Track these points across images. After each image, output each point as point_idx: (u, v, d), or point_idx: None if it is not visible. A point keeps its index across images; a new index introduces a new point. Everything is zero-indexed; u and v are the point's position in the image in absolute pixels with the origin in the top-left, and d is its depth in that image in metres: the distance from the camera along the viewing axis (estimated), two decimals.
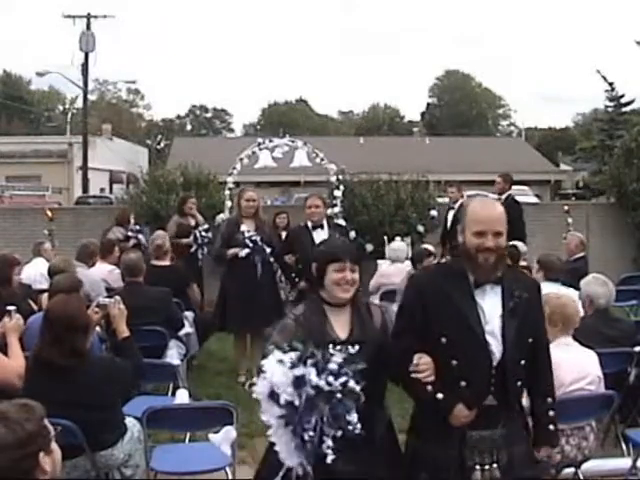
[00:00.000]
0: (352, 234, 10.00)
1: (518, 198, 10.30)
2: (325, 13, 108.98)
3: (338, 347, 2.67)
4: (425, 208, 10.82)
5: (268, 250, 6.68)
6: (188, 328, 6.08)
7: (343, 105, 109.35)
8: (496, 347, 2.73)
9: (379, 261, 9.07)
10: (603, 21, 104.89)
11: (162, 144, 64.57)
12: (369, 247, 10.33)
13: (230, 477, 3.82)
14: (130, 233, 8.75)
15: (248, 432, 5.17)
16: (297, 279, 6.78)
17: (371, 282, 7.76)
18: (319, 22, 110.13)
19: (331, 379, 2.54)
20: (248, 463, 4.78)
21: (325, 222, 6.79)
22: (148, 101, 77.29)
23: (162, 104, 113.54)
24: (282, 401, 2.53)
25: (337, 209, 10.09)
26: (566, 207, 11.06)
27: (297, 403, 2.53)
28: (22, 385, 3.68)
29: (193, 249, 8.66)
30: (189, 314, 6.43)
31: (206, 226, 8.93)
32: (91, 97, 43.96)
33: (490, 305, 2.77)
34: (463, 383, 2.72)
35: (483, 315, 2.74)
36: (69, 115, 46.63)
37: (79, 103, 40.44)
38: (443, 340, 2.74)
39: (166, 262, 6.80)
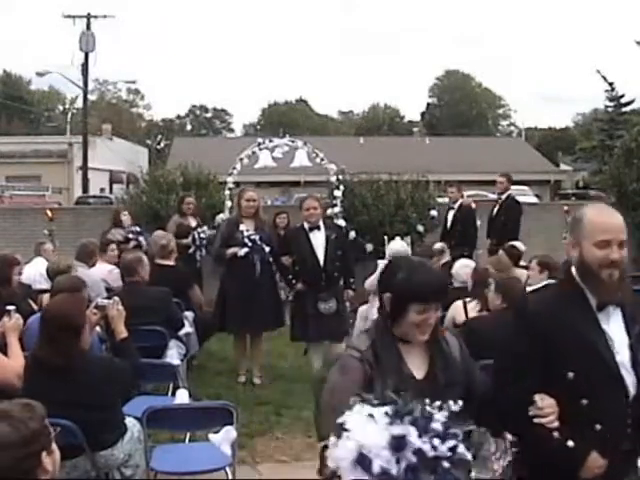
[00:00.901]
0: (352, 234, 10.00)
1: (518, 198, 10.33)
2: (325, 13, 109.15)
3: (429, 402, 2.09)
4: (425, 208, 10.84)
5: (267, 249, 6.68)
6: (188, 328, 6.08)
7: (343, 105, 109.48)
8: (630, 381, 2.35)
9: (379, 261, 9.05)
10: (603, 21, 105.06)
11: (162, 144, 64.59)
12: (369, 247, 10.33)
13: (230, 477, 3.82)
14: (130, 235, 8.74)
15: (248, 432, 5.18)
16: (294, 280, 6.72)
17: (369, 280, 7.75)
18: (319, 22, 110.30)
19: (437, 442, 1.98)
20: (248, 463, 4.80)
21: (322, 223, 6.75)
22: (148, 101, 77.34)
23: (162, 104, 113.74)
24: (376, 468, 1.94)
25: (337, 209, 10.08)
26: (566, 207, 11.07)
27: (394, 472, 1.94)
28: (21, 385, 3.68)
29: (191, 250, 8.66)
30: (189, 314, 6.43)
31: (204, 228, 8.94)
32: (91, 97, 43.97)
33: (616, 331, 2.38)
34: (598, 426, 2.31)
35: (612, 344, 2.35)
36: (69, 115, 46.67)
37: (79, 103, 40.49)
38: (570, 375, 2.32)
39: (170, 262, 6.84)
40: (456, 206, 9.65)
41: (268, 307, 6.71)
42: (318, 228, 6.65)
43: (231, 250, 6.65)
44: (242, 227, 6.71)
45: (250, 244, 6.62)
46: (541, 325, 2.38)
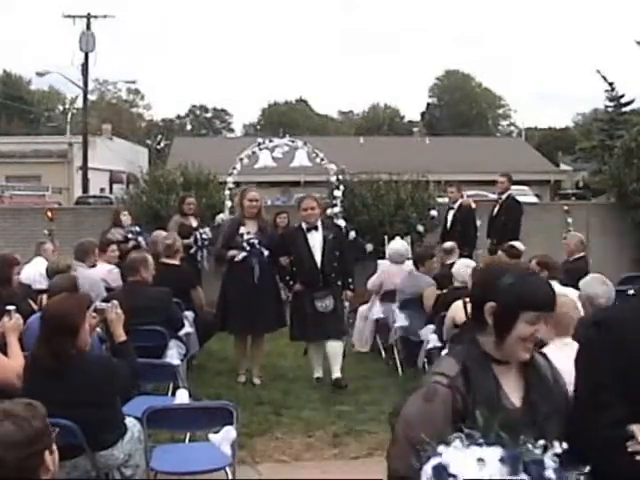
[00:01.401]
0: (352, 234, 10.00)
1: (518, 198, 10.33)
2: (325, 13, 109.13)
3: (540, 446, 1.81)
4: (425, 208, 10.84)
5: (266, 253, 6.61)
6: (188, 328, 6.09)
7: (343, 105, 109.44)
8: None
9: (379, 261, 9.08)
10: (603, 21, 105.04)
11: (162, 144, 64.61)
12: (369, 247, 10.33)
13: (230, 477, 3.82)
14: (130, 235, 8.75)
15: (248, 432, 5.18)
16: (291, 282, 6.69)
17: (371, 281, 7.77)
18: (319, 22, 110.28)
19: None
20: (248, 463, 4.80)
21: (320, 223, 6.65)
22: (148, 101, 77.28)
23: (162, 104, 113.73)
24: None
25: (337, 209, 10.08)
26: (566, 207, 11.08)
27: None
28: (21, 385, 3.68)
29: (193, 250, 8.66)
30: (189, 314, 6.45)
31: (207, 228, 8.96)
32: (91, 97, 43.94)
33: None
34: None
35: None
36: (69, 115, 46.62)
37: (79, 103, 40.47)
38: None
39: (176, 261, 6.87)
40: (456, 206, 9.66)
41: (269, 308, 6.65)
42: (316, 228, 6.58)
43: (230, 253, 6.63)
44: (243, 230, 6.65)
45: (248, 248, 6.56)
46: (623, 345, 2.12)
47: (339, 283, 6.68)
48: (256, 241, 6.58)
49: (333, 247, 6.57)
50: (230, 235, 6.75)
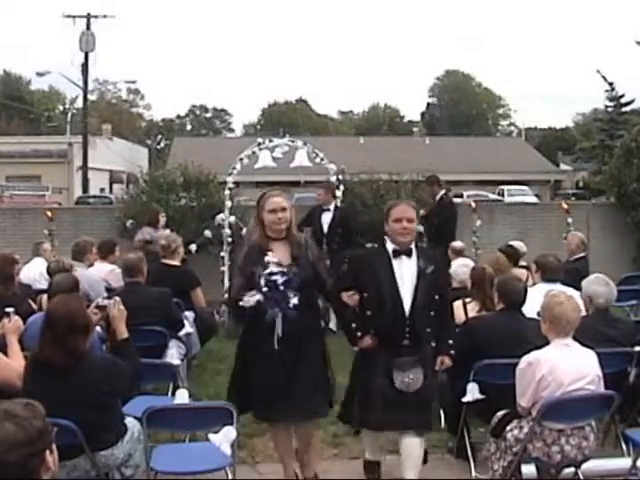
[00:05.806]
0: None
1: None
2: (325, 13, 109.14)
3: None
4: None
5: (294, 301, 4.05)
6: (188, 328, 6.08)
7: (343, 105, 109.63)
8: None
9: None
10: (603, 21, 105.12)
11: (162, 144, 64.67)
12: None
13: (230, 477, 3.82)
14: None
15: (248, 432, 5.17)
16: (359, 332, 4.18)
17: None
18: (319, 22, 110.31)
19: None
20: (248, 463, 4.80)
21: (414, 246, 4.25)
22: (148, 101, 77.45)
23: (162, 104, 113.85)
24: None
25: None
26: (565, 206, 11.08)
27: None
28: (21, 385, 3.68)
29: None
30: (189, 314, 6.43)
31: None
32: (91, 97, 44.02)
33: None
34: None
35: None
36: (69, 115, 46.60)
37: (79, 103, 40.49)
38: None
39: (174, 262, 6.82)
40: (331, 207, 9.16)
41: (309, 388, 4.17)
42: (409, 254, 4.19)
43: (241, 303, 4.05)
44: (268, 258, 4.10)
45: (266, 289, 4.03)
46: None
47: (433, 344, 4.22)
48: (280, 278, 4.05)
49: (432, 286, 4.17)
50: (250, 272, 4.15)
